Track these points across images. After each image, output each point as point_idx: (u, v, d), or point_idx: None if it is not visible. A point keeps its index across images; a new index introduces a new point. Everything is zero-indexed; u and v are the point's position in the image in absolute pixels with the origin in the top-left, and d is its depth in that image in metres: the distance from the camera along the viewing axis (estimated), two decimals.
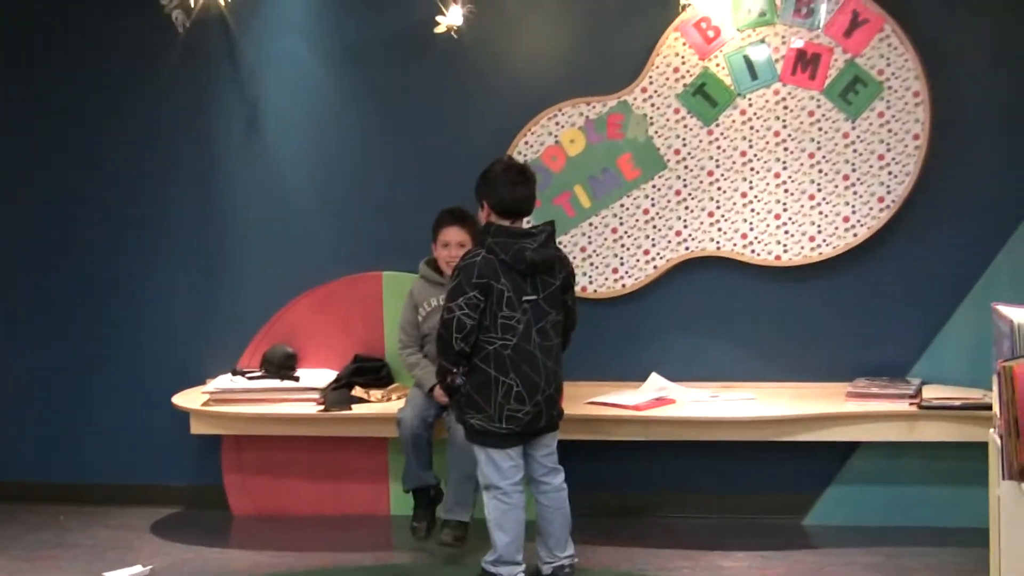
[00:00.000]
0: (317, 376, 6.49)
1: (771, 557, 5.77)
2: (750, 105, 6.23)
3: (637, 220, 6.37)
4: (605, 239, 6.41)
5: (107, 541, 6.31)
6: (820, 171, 6.19)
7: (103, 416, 6.99)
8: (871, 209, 6.15)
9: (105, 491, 6.98)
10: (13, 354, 7.04)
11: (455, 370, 5.22)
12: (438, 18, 6.15)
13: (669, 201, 6.34)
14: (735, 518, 6.35)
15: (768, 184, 6.25)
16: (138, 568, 5.78)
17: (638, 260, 6.39)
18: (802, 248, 6.23)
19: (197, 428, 6.44)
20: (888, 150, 6.10)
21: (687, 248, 6.35)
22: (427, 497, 6.03)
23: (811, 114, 6.18)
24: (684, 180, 6.32)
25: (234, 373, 6.53)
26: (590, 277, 6.42)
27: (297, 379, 6.42)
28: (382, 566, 5.77)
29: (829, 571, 5.57)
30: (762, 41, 6.19)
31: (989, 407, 4.95)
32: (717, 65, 6.23)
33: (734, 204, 6.29)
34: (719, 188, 6.30)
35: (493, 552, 5.25)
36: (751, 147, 6.25)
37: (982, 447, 4.76)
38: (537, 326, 5.18)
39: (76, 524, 6.61)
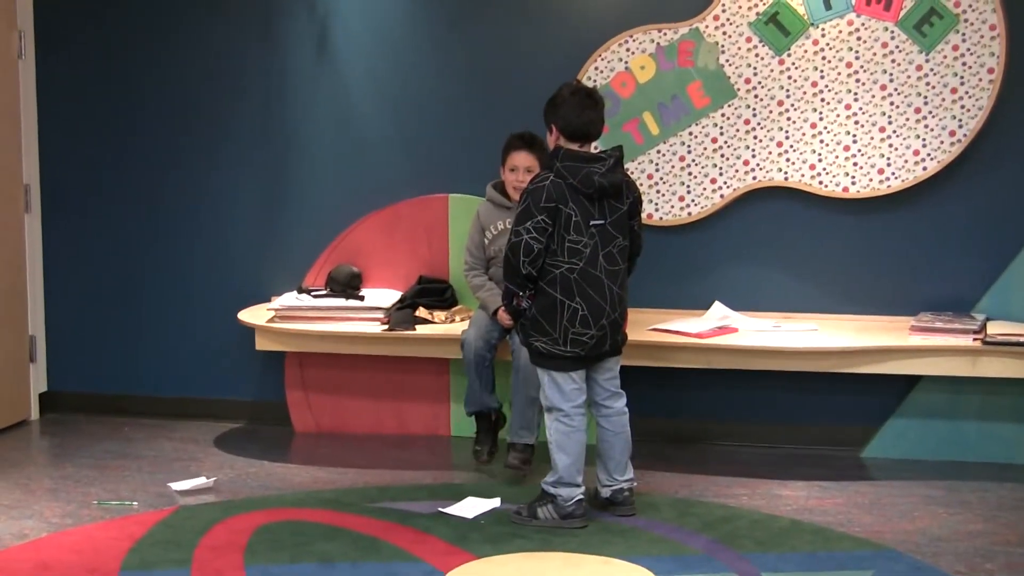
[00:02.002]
0: (382, 296, 6.54)
1: (828, 487, 5.79)
2: (823, 35, 6.19)
3: (705, 148, 6.35)
4: (672, 167, 6.40)
5: (171, 453, 6.40)
6: (892, 103, 6.15)
7: (169, 331, 7.07)
8: (942, 143, 6.10)
9: (169, 405, 7.08)
10: (81, 268, 7.12)
11: (521, 293, 5.23)
12: None
13: (738, 130, 6.32)
14: (794, 448, 6.38)
15: (838, 115, 6.21)
16: (202, 479, 5.86)
17: (705, 189, 6.38)
18: (871, 180, 6.20)
19: (262, 344, 6.51)
20: (962, 83, 6.05)
21: (754, 178, 6.33)
22: (489, 421, 6.10)
23: (884, 46, 6.12)
24: (754, 109, 6.29)
25: (299, 291, 6.58)
26: (656, 204, 6.42)
27: (362, 298, 6.46)
28: (441, 485, 5.82)
29: (886, 502, 5.58)
30: None
31: None
32: None
33: (803, 135, 6.26)
34: (789, 118, 6.27)
35: (554, 473, 5.28)
36: (822, 78, 6.21)
37: None
38: (604, 251, 5.18)
39: (141, 436, 6.71)
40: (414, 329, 6.27)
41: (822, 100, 6.23)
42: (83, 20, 6.98)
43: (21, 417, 7.01)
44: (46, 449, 6.65)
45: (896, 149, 6.16)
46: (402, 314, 6.34)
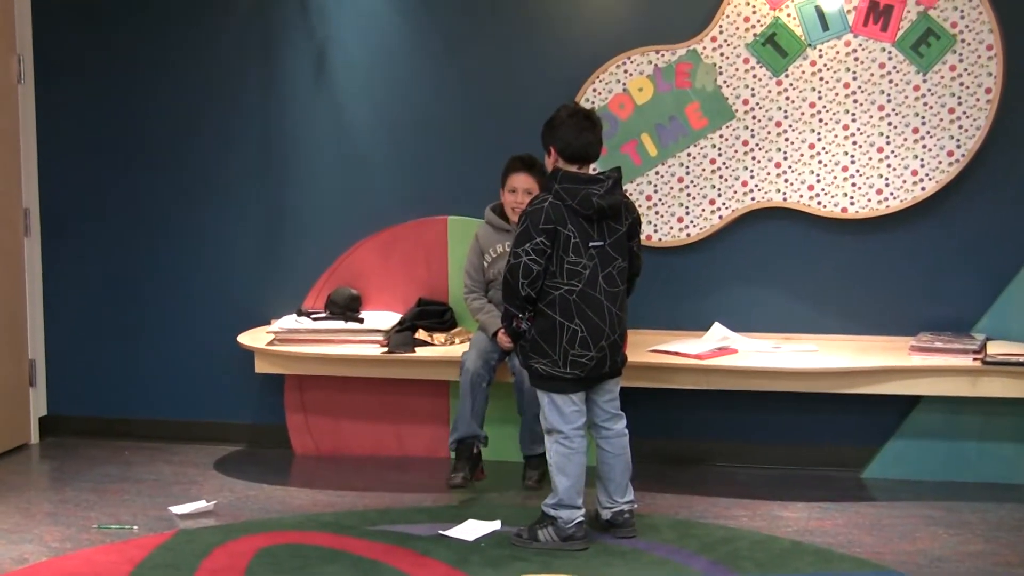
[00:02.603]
0: (381, 318, 6.54)
1: (829, 508, 5.78)
2: (820, 56, 6.20)
3: (703, 170, 6.36)
4: (671, 188, 6.40)
5: (171, 476, 6.39)
6: (889, 124, 6.16)
7: (168, 355, 7.06)
8: (940, 163, 6.11)
9: (169, 428, 7.07)
10: (81, 292, 7.11)
11: (521, 315, 5.23)
12: None
13: (736, 151, 6.32)
14: (794, 469, 6.37)
15: (836, 136, 6.22)
16: (202, 503, 5.85)
17: (703, 210, 6.38)
18: (869, 201, 6.21)
19: (261, 367, 6.51)
20: (959, 103, 6.06)
21: (753, 199, 6.33)
22: (469, 452, 6.02)
23: (882, 66, 6.14)
24: (752, 130, 6.30)
25: (299, 314, 6.58)
26: (655, 226, 6.42)
27: (361, 321, 6.46)
28: (441, 507, 5.81)
29: (887, 523, 5.57)
30: None
31: None
32: (788, 15, 6.19)
33: (801, 155, 6.26)
34: (787, 139, 6.28)
35: (554, 495, 5.27)
36: (820, 98, 6.22)
37: None
38: (603, 272, 5.19)
39: (140, 459, 6.70)
40: (413, 351, 6.26)
41: (820, 121, 6.24)
42: (82, 45, 6.99)
43: (21, 441, 7.00)
44: (46, 473, 6.64)
45: (894, 169, 6.17)
46: (401, 336, 6.33)
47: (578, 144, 5.23)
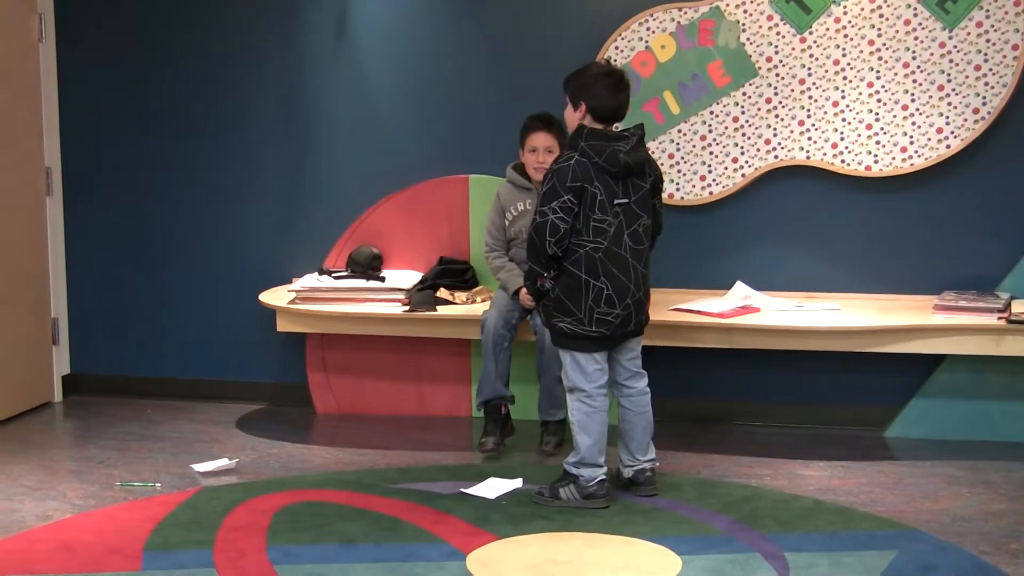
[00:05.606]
0: (402, 277, 6.53)
1: (851, 467, 5.77)
2: (845, 13, 6.15)
3: (726, 128, 6.32)
4: (693, 146, 6.37)
5: (193, 434, 6.41)
6: (914, 81, 6.11)
7: (190, 313, 7.08)
8: (965, 120, 6.07)
9: (191, 386, 7.09)
10: (103, 251, 7.13)
11: (545, 274, 5.21)
12: None
13: (759, 109, 6.29)
14: (816, 428, 6.36)
15: (860, 93, 6.17)
16: (224, 461, 5.87)
17: (726, 168, 6.35)
18: (893, 159, 6.17)
19: (283, 326, 6.50)
20: (985, 60, 6.01)
21: (776, 157, 6.30)
22: (498, 413, 6.03)
23: (907, 23, 6.09)
24: (775, 88, 6.26)
25: (320, 272, 6.58)
26: (677, 184, 6.39)
27: (382, 279, 6.46)
28: (462, 466, 5.82)
29: (909, 482, 5.56)
30: None
31: None
32: None
33: (825, 113, 6.22)
34: (810, 97, 6.23)
35: (575, 454, 5.27)
36: (844, 55, 6.17)
37: None
38: (628, 230, 5.16)
39: (163, 417, 6.73)
40: (435, 310, 6.25)
41: (844, 78, 6.19)
42: (103, 4, 6.97)
43: (44, 399, 7.03)
44: (69, 431, 6.67)
45: (919, 127, 6.13)
46: (423, 295, 6.33)
47: (611, 104, 5.19)
